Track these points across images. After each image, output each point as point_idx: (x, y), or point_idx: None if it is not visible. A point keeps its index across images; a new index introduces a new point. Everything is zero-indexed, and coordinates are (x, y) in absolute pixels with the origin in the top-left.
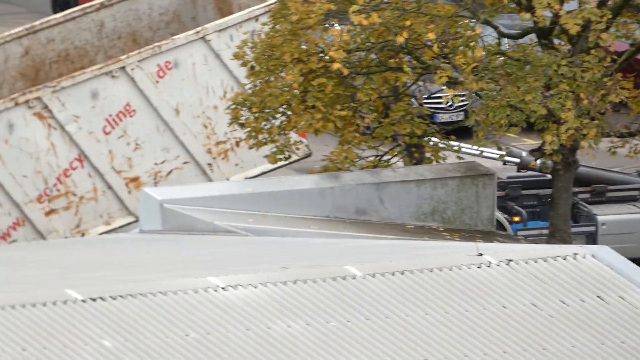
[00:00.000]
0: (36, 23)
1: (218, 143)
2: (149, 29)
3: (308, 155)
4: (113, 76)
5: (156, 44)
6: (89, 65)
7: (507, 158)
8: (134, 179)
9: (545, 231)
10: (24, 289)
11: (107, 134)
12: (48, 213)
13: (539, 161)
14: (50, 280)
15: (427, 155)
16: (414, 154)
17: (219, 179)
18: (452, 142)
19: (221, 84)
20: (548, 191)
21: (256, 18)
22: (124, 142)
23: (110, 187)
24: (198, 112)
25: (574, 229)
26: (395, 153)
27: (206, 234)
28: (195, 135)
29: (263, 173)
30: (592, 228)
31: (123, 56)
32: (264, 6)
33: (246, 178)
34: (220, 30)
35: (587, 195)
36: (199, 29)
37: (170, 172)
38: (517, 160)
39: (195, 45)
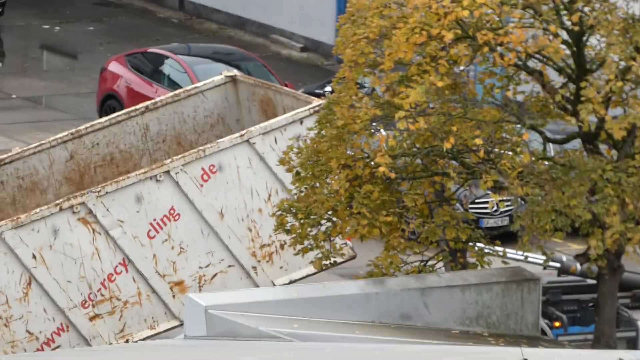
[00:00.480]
0: (81, 127)
1: (262, 246)
2: (194, 131)
3: (353, 257)
4: (157, 180)
5: (200, 147)
6: (133, 169)
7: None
8: (179, 283)
9: (588, 336)
10: None
11: (151, 238)
12: (92, 318)
13: (583, 266)
14: None
15: (472, 260)
16: (458, 259)
17: (264, 282)
18: (496, 248)
19: (266, 187)
20: (589, 296)
21: (300, 121)
22: (169, 246)
23: (154, 292)
24: (242, 215)
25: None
26: (440, 258)
27: (251, 340)
28: (239, 238)
29: (308, 275)
30: (633, 333)
31: (167, 160)
32: (308, 109)
33: (291, 281)
34: (264, 133)
35: (627, 300)
36: (243, 132)
37: (214, 276)
38: (558, 265)
39: (240, 148)
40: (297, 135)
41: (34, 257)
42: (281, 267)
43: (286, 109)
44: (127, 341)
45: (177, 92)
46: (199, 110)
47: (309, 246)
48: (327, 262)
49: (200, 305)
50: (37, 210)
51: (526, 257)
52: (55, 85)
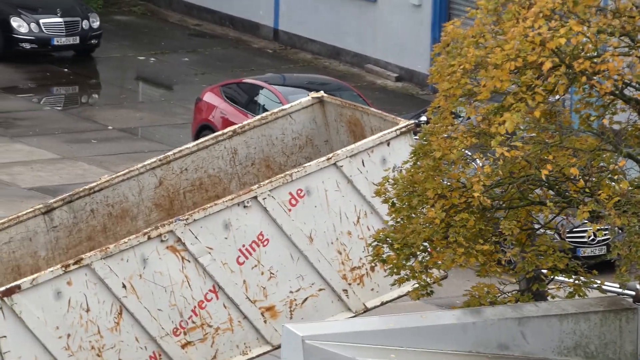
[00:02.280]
0: (169, 153)
1: (353, 269)
2: (282, 153)
3: (444, 277)
4: (245, 206)
5: (287, 172)
6: (223, 193)
7: (606, 288)
8: (269, 308)
9: None
10: None
11: (240, 264)
12: (184, 345)
13: None
14: None
15: (569, 289)
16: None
17: (355, 305)
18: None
19: (354, 210)
20: None
21: (387, 142)
22: (258, 272)
23: (245, 317)
24: (332, 239)
25: None
26: (537, 287)
27: None
28: (329, 261)
29: (400, 297)
30: None
31: (254, 186)
32: (395, 130)
33: (383, 302)
34: (351, 156)
35: None
36: (330, 155)
37: (305, 300)
38: (632, 293)
39: (327, 172)
40: (384, 158)
41: (124, 286)
42: (372, 289)
43: (374, 129)
44: None
45: (264, 114)
46: (287, 133)
47: (406, 276)
48: (424, 292)
49: (297, 336)
50: (126, 239)
51: (600, 285)
52: (151, 116)
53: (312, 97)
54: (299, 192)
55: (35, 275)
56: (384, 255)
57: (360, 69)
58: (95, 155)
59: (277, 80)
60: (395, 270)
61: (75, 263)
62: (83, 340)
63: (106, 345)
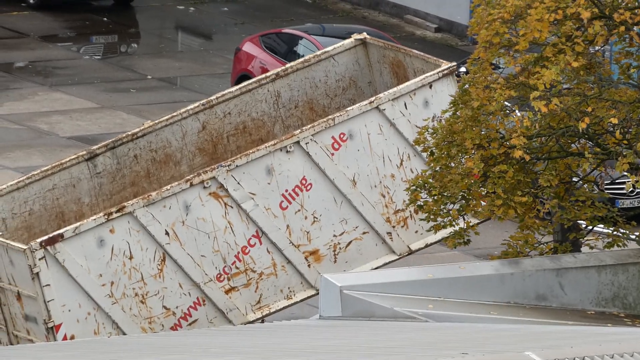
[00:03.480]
0: (212, 97)
1: (396, 211)
2: (326, 96)
3: (488, 219)
4: (287, 151)
5: (329, 117)
6: (266, 136)
7: None
8: (313, 252)
9: None
10: None
11: (283, 209)
12: (228, 291)
13: None
14: None
15: (608, 240)
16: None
17: (399, 248)
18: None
19: (397, 152)
20: None
21: (430, 85)
22: (302, 216)
23: (289, 262)
24: (375, 182)
25: None
26: (575, 235)
27: (386, 320)
28: (373, 205)
29: (443, 239)
30: None
31: (297, 131)
32: (437, 72)
33: (427, 244)
34: (393, 99)
35: None
36: (372, 99)
37: (349, 244)
38: None
39: (370, 115)
40: (426, 100)
41: (167, 233)
42: (416, 232)
43: (416, 71)
44: (262, 311)
45: (307, 57)
46: (330, 75)
47: (442, 223)
48: (461, 240)
49: (335, 286)
50: (168, 187)
51: (638, 236)
52: (190, 65)
53: (355, 39)
54: (342, 136)
55: (77, 224)
56: (422, 201)
57: (399, 20)
58: (134, 104)
59: (316, 30)
60: (432, 217)
61: (117, 211)
62: (126, 287)
63: (150, 292)
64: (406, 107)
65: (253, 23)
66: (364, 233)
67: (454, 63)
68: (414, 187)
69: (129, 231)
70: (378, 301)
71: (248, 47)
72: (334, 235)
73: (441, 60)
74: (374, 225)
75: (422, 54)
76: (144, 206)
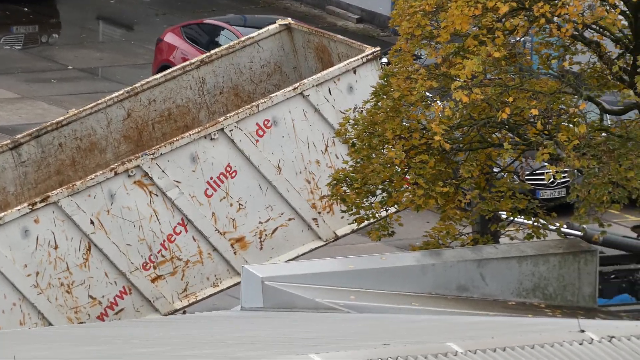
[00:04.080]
0: (137, 85)
1: (322, 197)
2: (251, 81)
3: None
4: (212, 138)
5: (253, 103)
6: (192, 123)
7: (568, 231)
8: (239, 239)
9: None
10: None
11: (209, 196)
12: (154, 279)
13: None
14: (151, 359)
15: (528, 231)
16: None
17: (325, 233)
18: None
19: (322, 138)
20: (610, 268)
21: (354, 70)
22: (227, 204)
23: (215, 249)
24: (300, 168)
25: (636, 307)
26: (497, 227)
27: (307, 311)
28: (298, 191)
29: (370, 224)
30: None
31: (221, 118)
32: (361, 57)
33: (353, 230)
34: (318, 85)
35: None
36: (296, 85)
37: (275, 230)
38: (579, 233)
39: (294, 101)
40: (350, 85)
41: (92, 222)
42: (342, 217)
43: (341, 56)
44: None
45: (232, 43)
46: (255, 61)
47: (365, 216)
48: (385, 232)
49: (256, 277)
50: (93, 176)
51: (559, 227)
52: (112, 56)
53: (280, 25)
54: (266, 122)
55: (1, 214)
56: (343, 195)
57: (321, 10)
58: (55, 95)
59: (237, 21)
60: (354, 210)
61: (41, 201)
62: (52, 277)
63: (75, 281)
64: (330, 93)
65: (174, 14)
66: (289, 219)
67: (378, 48)
68: (334, 182)
69: (53, 221)
70: (300, 292)
71: (169, 38)
72: (260, 222)
73: (365, 46)
74: (300, 211)
75: (346, 39)
76: (68, 196)
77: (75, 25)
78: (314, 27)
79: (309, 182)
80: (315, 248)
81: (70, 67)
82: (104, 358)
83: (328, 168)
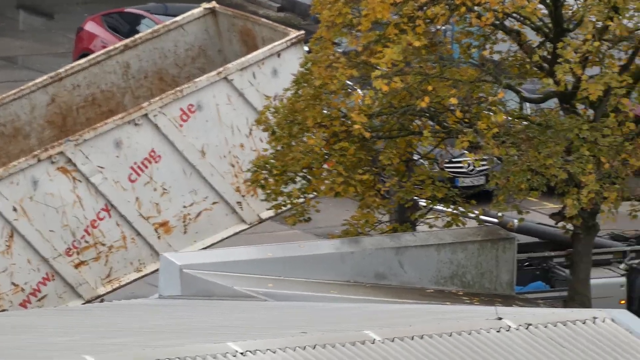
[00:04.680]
0: (61, 70)
1: (246, 181)
2: (175, 65)
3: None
4: (136, 124)
5: (177, 88)
6: (116, 107)
7: (484, 218)
8: (163, 224)
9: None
10: (42, 356)
11: (132, 181)
12: (77, 265)
13: (559, 224)
14: (71, 347)
15: (448, 219)
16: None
17: (249, 217)
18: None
19: (246, 122)
20: (524, 255)
21: (278, 54)
22: (151, 188)
23: (139, 234)
24: (224, 152)
25: (550, 294)
26: (416, 216)
27: (225, 299)
28: (222, 175)
29: (294, 207)
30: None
31: (145, 104)
32: (285, 41)
33: (277, 213)
34: (242, 69)
35: (562, 260)
36: (220, 69)
37: (199, 214)
38: (495, 220)
39: (218, 86)
40: (275, 69)
41: (15, 209)
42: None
43: (265, 40)
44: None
45: (156, 27)
46: (179, 44)
47: (283, 202)
48: (302, 218)
49: (175, 265)
50: (15, 163)
51: (478, 215)
52: (32, 45)
53: (205, 8)
54: (190, 107)
55: None
56: (263, 181)
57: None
58: None
59: (159, 9)
60: (273, 197)
61: None
62: None
63: None
64: (255, 77)
65: (95, 2)
66: (214, 203)
67: (302, 32)
68: (255, 169)
69: None
70: (218, 280)
71: (90, 27)
72: (184, 206)
73: (289, 29)
74: (224, 195)
75: (270, 22)
76: None
77: None
78: (239, 11)
79: (233, 166)
80: (240, 231)
81: None
82: (22, 347)
83: (252, 152)
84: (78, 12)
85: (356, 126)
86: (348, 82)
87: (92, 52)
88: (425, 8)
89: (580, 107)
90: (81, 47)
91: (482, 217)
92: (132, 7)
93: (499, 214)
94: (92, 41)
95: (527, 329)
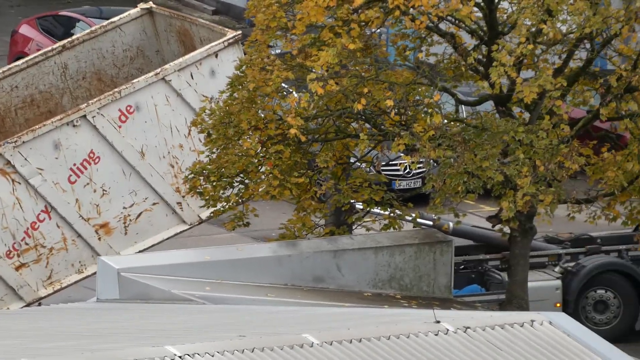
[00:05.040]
0: None
1: (186, 182)
2: (114, 66)
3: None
4: (74, 125)
5: (115, 89)
6: (55, 108)
7: (420, 221)
8: (104, 225)
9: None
10: None
11: (72, 183)
12: (18, 267)
13: (496, 227)
14: (6, 351)
15: (385, 222)
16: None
17: (190, 217)
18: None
19: (185, 122)
20: (459, 258)
21: (215, 54)
22: (91, 190)
23: (79, 236)
24: (164, 153)
25: (486, 297)
26: (354, 219)
27: (163, 303)
28: (162, 175)
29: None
30: (505, 296)
31: (83, 105)
32: (223, 41)
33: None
34: (180, 70)
35: (497, 263)
36: (158, 70)
37: (139, 215)
38: (430, 223)
39: (156, 87)
40: (212, 70)
41: None
42: None
43: (203, 40)
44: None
45: (93, 28)
46: (117, 45)
47: (222, 208)
48: (240, 222)
49: (112, 268)
50: None
51: (414, 218)
52: None
53: (141, 8)
54: (129, 108)
55: None
56: (201, 188)
57: (176, 2)
58: None
59: (93, 12)
60: (212, 203)
61: None
62: None
63: None
64: (192, 77)
65: (30, 5)
66: (154, 204)
67: (239, 32)
68: (192, 175)
69: None
70: (155, 283)
71: (25, 30)
72: (124, 207)
73: (227, 29)
74: (164, 195)
75: (208, 22)
76: None
77: None
78: (176, 12)
79: (173, 167)
80: (181, 232)
81: None
82: None
83: (192, 152)
84: (12, 14)
85: (292, 130)
86: (283, 84)
87: (27, 55)
88: (359, 11)
89: (515, 110)
90: (16, 50)
91: (418, 220)
92: (67, 10)
93: (435, 217)
94: (27, 44)
95: (465, 332)
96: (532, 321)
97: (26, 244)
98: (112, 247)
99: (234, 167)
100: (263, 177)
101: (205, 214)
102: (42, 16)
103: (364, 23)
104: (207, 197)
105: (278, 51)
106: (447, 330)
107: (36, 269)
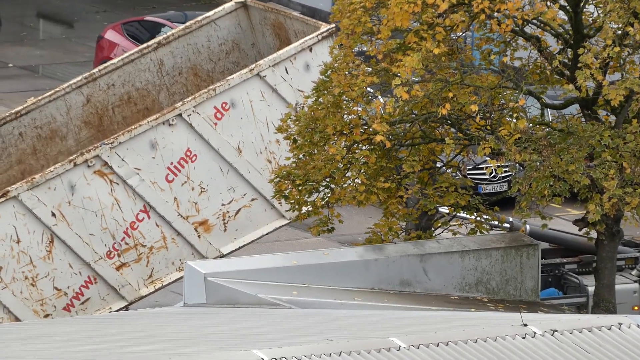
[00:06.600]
0: (94, 70)
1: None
2: (209, 60)
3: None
4: (170, 124)
5: (210, 87)
6: (152, 105)
7: (494, 223)
8: (203, 222)
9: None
10: None
11: (170, 182)
12: (119, 267)
13: (583, 230)
14: (97, 356)
15: (471, 226)
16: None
17: (290, 211)
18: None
19: (281, 117)
20: None
21: (310, 48)
22: (189, 188)
23: (179, 234)
24: (261, 148)
25: (564, 300)
26: (440, 224)
27: (250, 307)
28: (259, 171)
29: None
30: (583, 299)
31: (178, 103)
32: (317, 35)
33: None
34: (274, 65)
35: (574, 266)
36: (252, 66)
37: (238, 211)
38: (507, 226)
39: (251, 83)
40: (307, 64)
41: (53, 215)
42: None
43: (297, 33)
44: (154, 285)
45: (188, 24)
46: (212, 39)
47: (307, 212)
48: (325, 227)
49: (199, 273)
50: (52, 168)
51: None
52: (52, 53)
53: (235, 2)
54: (224, 105)
55: None
56: (287, 192)
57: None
58: None
59: (178, 18)
60: (297, 207)
61: (1, 196)
62: (16, 271)
63: (39, 274)
64: (287, 72)
65: (115, 11)
66: (252, 200)
67: (333, 25)
68: (278, 179)
69: (14, 215)
70: (242, 288)
71: (110, 35)
72: (223, 204)
73: (320, 23)
74: (262, 191)
75: (301, 16)
76: (28, 189)
77: (15, 22)
78: (269, 5)
79: (270, 162)
80: (280, 227)
81: (10, 65)
82: (43, 357)
83: (289, 147)
84: (98, 20)
85: (378, 137)
86: (369, 89)
87: None
88: (444, 15)
89: (601, 113)
90: (102, 55)
91: (491, 222)
92: (152, 15)
93: (511, 220)
94: (113, 49)
95: (552, 335)
96: (620, 324)
97: (126, 243)
98: (212, 244)
99: (320, 173)
100: (349, 181)
101: (304, 208)
102: (128, 22)
103: (449, 27)
104: (292, 201)
105: (362, 57)
106: (535, 333)
107: (137, 268)
